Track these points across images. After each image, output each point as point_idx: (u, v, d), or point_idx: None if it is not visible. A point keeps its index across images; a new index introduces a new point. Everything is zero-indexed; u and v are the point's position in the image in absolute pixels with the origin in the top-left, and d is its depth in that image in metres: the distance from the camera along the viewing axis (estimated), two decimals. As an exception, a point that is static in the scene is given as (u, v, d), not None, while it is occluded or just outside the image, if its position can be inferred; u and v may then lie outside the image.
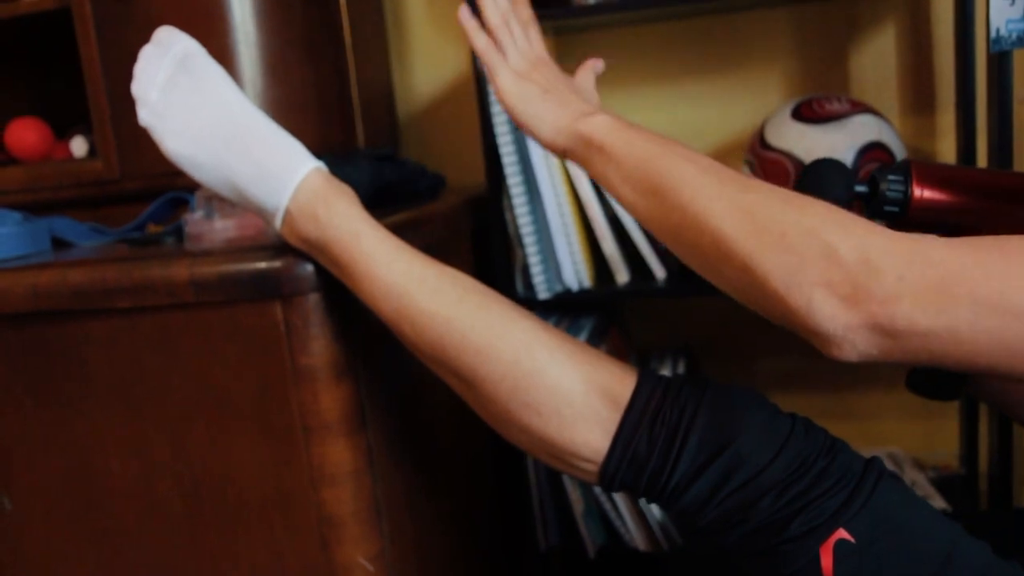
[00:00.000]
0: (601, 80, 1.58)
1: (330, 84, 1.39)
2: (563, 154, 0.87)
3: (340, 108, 1.42)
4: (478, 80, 1.33)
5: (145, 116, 0.91)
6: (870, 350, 0.63)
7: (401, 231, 1.13)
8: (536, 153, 1.31)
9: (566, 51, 1.60)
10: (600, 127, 0.83)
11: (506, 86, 0.90)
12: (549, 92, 0.90)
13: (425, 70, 1.67)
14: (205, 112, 0.90)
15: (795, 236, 0.65)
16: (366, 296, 0.87)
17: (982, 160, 1.35)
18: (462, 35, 1.35)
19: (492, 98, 1.31)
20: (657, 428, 0.75)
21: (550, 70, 0.93)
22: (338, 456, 0.97)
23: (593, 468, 0.79)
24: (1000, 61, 1.22)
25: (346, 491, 0.98)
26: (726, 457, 0.73)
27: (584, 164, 0.84)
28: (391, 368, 1.06)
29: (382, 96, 1.60)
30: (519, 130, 1.32)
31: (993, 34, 1.17)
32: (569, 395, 0.78)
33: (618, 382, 0.78)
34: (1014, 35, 1.16)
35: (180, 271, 0.95)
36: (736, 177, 0.73)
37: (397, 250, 0.86)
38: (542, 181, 1.32)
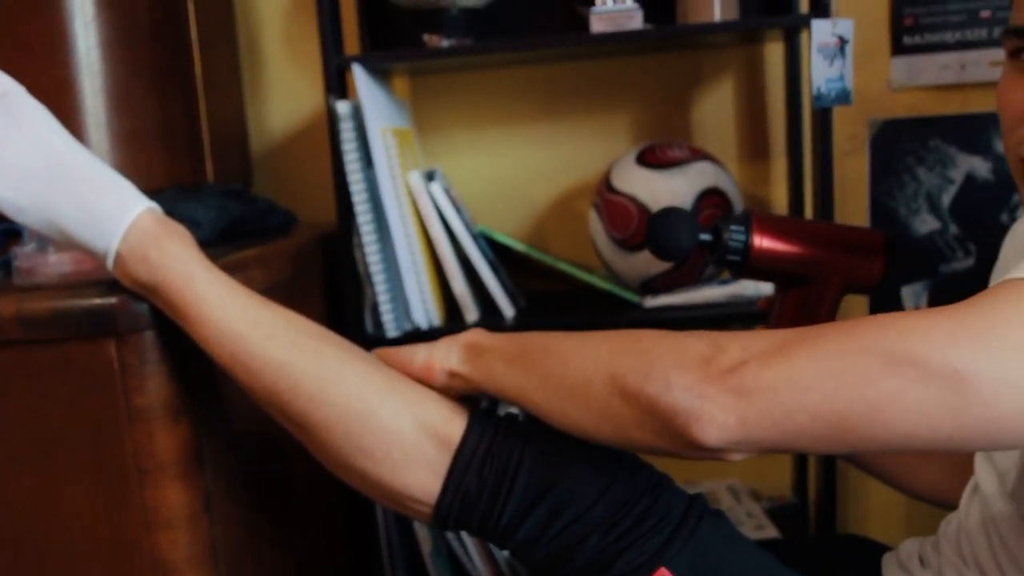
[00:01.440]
0: (455, 123, 1.62)
1: (178, 117, 1.36)
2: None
3: (189, 141, 1.39)
4: (331, 117, 1.33)
5: None
6: (728, 418, 0.65)
7: (249, 268, 1.12)
8: (387, 192, 1.32)
9: (420, 92, 1.62)
10: (475, 335, 0.86)
11: None
12: None
13: (279, 105, 1.66)
14: (25, 153, 0.86)
15: (645, 347, 0.71)
16: (200, 340, 0.85)
17: (809, 205, 1.44)
18: (317, 71, 1.35)
19: (344, 135, 1.32)
20: (487, 469, 0.77)
21: None
22: (174, 499, 0.94)
23: (427, 510, 0.80)
24: (822, 116, 1.31)
25: (182, 535, 0.95)
26: (553, 497, 0.75)
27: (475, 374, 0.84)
28: (235, 408, 1.05)
29: (234, 130, 1.58)
30: (370, 168, 1.33)
31: (815, 91, 1.25)
32: (400, 438, 0.79)
33: (449, 423, 0.79)
34: (833, 93, 1.25)
35: (6, 306, 0.91)
36: (570, 338, 0.79)
37: (232, 293, 0.85)
38: (392, 220, 1.33)
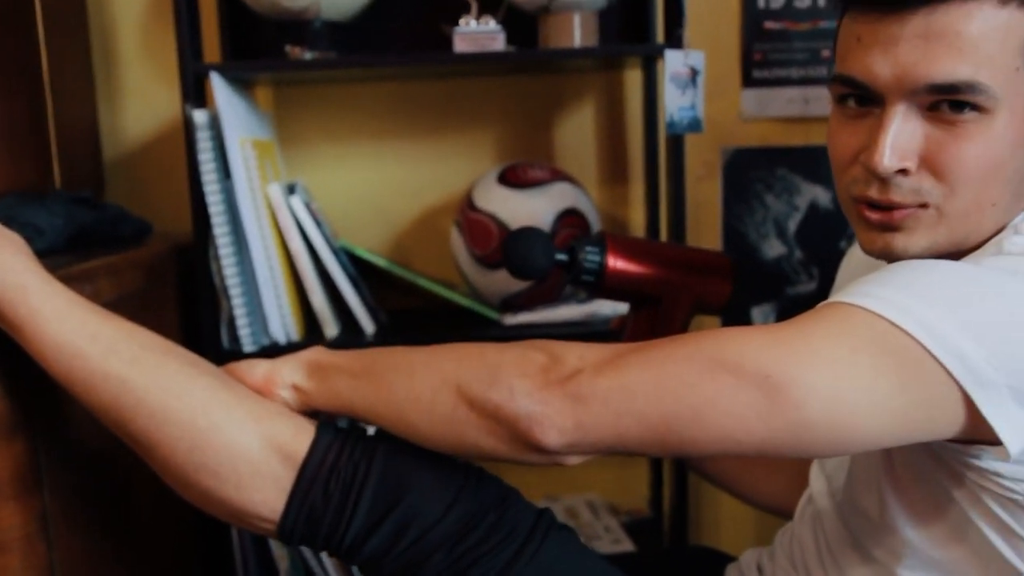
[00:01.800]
0: (318, 136, 1.60)
1: (23, 120, 1.30)
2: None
3: (35, 146, 1.33)
4: (187, 126, 1.30)
5: None
6: (565, 422, 0.69)
7: (97, 278, 1.08)
8: (245, 204, 1.30)
9: (284, 104, 1.60)
10: (317, 352, 0.86)
11: None
12: None
13: (135, 111, 1.60)
14: None
15: (487, 358, 0.75)
16: (36, 355, 0.81)
17: (664, 228, 1.49)
18: (175, 77, 1.32)
19: (201, 144, 1.29)
20: (332, 484, 0.77)
21: None
22: (7, 520, 0.90)
23: (272, 527, 0.79)
24: (675, 143, 1.36)
25: (15, 559, 0.90)
26: (399, 512, 0.75)
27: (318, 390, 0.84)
28: (77, 424, 1.00)
29: (85, 135, 1.52)
30: (228, 179, 1.30)
31: (668, 119, 1.30)
32: (246, 454, 0.78)
33: (295, 438, 0.78)
34: (685, 120, 1.30)
35: None
36: (414, 352, 0.81)
37: (69, 306, 0.81)
38: (251, 232, 1.31)
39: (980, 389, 0.64)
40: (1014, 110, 0.70)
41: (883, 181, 0.73)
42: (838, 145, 0.78)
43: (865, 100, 0.75)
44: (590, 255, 0.99)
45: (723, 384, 0.66)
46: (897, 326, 0.64)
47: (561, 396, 0.69)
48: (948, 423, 0.66)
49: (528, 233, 1.01)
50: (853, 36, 0.74)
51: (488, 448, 0.73)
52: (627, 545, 1.53)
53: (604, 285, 1.01)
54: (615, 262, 1.00)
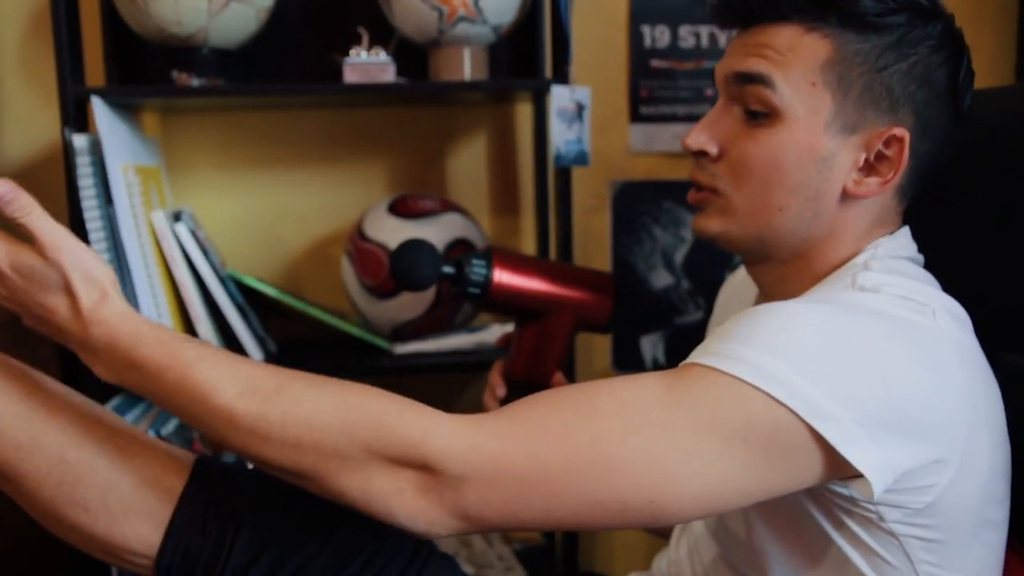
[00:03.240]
0: (207, 163, 1.58)
1: None
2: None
3: (-98, 168, 1.28)
4: (66, 150, 1.27)
5: None
6: (457, 530, 0.68)
7: (-39, 308, 1.04)
8: (127, 231, 1.27)
9: (172, 132, 1.57)
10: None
11: None
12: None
13: (14, 134, 1.55)
14: None
15: (353, 452, 0.67)
16: None
17: (554, 258, 1.52)
18: (55, 102, 1.29)
19: (80, 170, 1.26)
20: (210, 519, 0.75)
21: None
22: None
23: (147, 563, 0.77)
24: (563, 175, 1.39)
25: None
26: (276, 548, 0.75)
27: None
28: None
29: (-41, 158, 1.46)
30: (110, 205, 1.27)
31: (555, 152, 1.33)
32: (118, 489, 0.76)
33: (171, 473, 0.77)
34: (572, 154, 1.33)
35: None
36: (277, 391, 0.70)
37: None
38: (133, 260, 1.28)
39: (848, 446, 0.66)
40: (805, 124, 0.77)
41: (695, 161, 0.83)
42: None
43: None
44: (476, 268, 1.01)
45: (610, 512, 0.67)
46: (772, 398, 0.66)
47: (448, 517, 0.67)
48: (814, 477, 0.69)
49: (415, 244, 1.01)
50: None
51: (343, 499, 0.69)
52: (519, 573, 1.54)
53: (489, 299, 1.02)
54: (500, 275, 1.02)
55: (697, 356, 0.71)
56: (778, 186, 0.78)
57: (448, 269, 1.01)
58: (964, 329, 0.76)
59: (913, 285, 0.76)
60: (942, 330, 0.72)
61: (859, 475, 0.67)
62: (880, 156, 0.78)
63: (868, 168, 0.78)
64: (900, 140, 0.77)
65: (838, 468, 0.68)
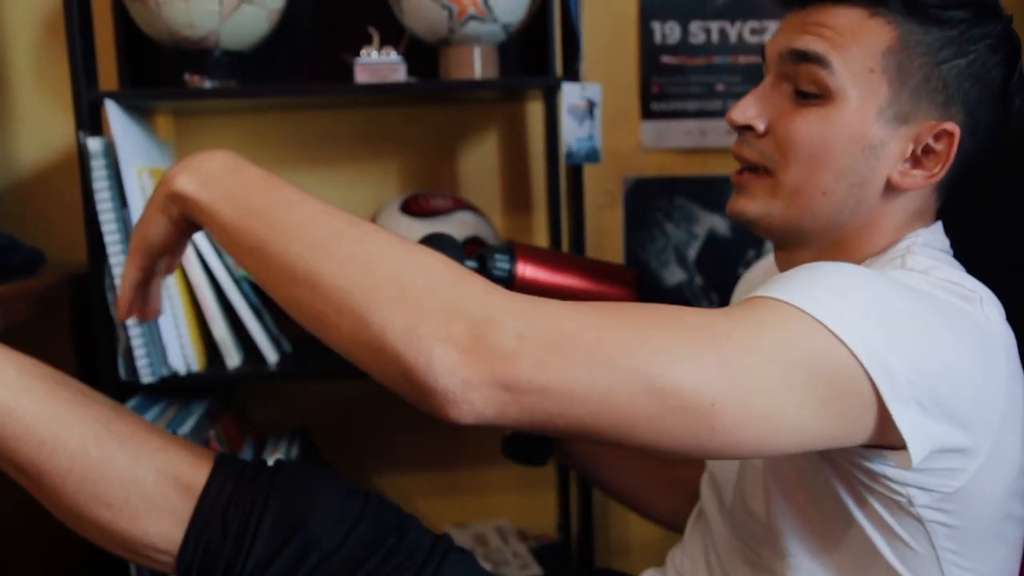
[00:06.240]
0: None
1: (-92, 147, 1.26)
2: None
3: (-81, 173, 1.29)
4: (81, 154, 1.28)
5: None
6: (486, 409, 0.61)
7: (-18, 309, 1.05)
8: (143, 233, 1.28)
9: (186, 134, 1.58)
10: (191, 184, 0.79)
11: None
12: None
13: (28, 138, 1.56)
14: None
15: (415, 292, 0.62)
16: None
17: (566, 257, 1.52)
18: (69, 106, 1.30)
19: (95, 173, 1.27)
20: (231, 515, 0.76)
21: None
22: None
23: (169, 559, 0.78)
24: (575, 172, 1.39)
25: None
26: (298, 540, 0.75)
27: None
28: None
29: (-25, 163, 1.47)
30: (125, 208, 1.28)
31: (567, 149, 1.34)
32: (140, 485, 0.76)
33: (192, 469, 0.78)
34: (583, 151, 1.33)
35: None
36: (350, 226, 0.69)
37: None
38: (149, 262, 1.28)
39: (898, 403, 0.65)
40: (857, 109, 0.77)
41: (740, 136, 0.82)
42: None
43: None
44: (500, 263, 1.01)
45: (666, 407, 0.62)
46: (837, 337, 0.64)
47: (490, 383, 0.60)
48: (862, 432, 0.67)
49: (439, 239, 1.01)
50: None
51: (387, 384, 0.64)
52: (535, 570, 1.54)
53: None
54: (524, 269, 1.02)
55: (757, 293, 0.68)
56: (824, 169, 0.78)
57: (471, 264, 1.01)
58: (1005, 321, 0.75)
59: (959, 273, 0.76)
60: (989, 319, 0.72)
61: (897, 447, 0.66)
62: (927, 150, 0.77)
63: (915, 160, 0.78)
64: (950, 135, 0.76)
65: (882, 433, 0.66)
